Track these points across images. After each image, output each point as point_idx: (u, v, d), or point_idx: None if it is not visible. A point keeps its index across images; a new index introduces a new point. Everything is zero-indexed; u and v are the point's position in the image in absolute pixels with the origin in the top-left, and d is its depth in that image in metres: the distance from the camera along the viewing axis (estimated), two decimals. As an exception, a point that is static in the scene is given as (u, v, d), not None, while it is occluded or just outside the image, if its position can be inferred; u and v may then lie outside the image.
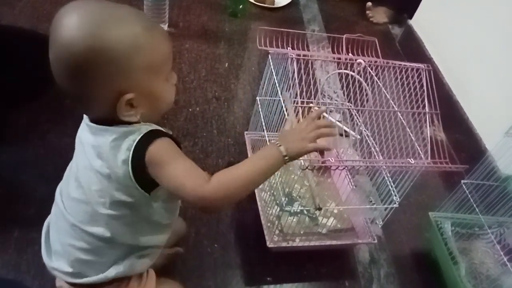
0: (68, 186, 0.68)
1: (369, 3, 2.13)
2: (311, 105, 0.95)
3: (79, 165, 0.67)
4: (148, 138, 0.61)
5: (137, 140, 0.61)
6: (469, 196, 1.04)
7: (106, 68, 0.58)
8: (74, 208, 0.67)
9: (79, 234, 0.66)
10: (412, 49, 1.90)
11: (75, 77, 0.59)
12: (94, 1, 0.61)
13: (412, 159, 0.86)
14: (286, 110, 0.94)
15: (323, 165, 0.81)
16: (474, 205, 1.03)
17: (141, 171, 0.61)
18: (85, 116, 0.67)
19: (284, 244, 1.00)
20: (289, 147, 0.66)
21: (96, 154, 0.63)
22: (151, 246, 0.72)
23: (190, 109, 1.39)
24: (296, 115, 0.86)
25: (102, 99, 0.60)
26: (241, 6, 1.87)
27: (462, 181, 1.05)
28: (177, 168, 0.62)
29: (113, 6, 0.60)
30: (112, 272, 0.68)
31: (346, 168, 0.90)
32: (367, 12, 2.13)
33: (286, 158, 0.66)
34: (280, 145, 0.66)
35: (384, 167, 0.88)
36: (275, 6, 2.02)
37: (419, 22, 1.93)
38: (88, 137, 0.65)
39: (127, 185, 0.62)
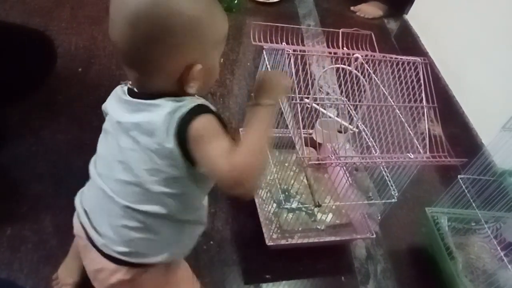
0: (113, 171, 0.66)
1: (352, 7, 2.15)
2: (307, 101, 0.94)
3: (122, 148, 0.65)
4: (192, 113, 0.61)
5: (184, 113, 0.60)
6: (466, 191, 1.03)
7: (183, 36, 0.58)
8: (123, 190, 0.65)
9: (131, 214, 0.65)
10: (408, 43, 1.89)
11: (154, 42, 0.58)
12: None
13: (411, 153, 0.85)
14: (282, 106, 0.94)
15: (322, 162, 0.80)
16: (471, 200, 1.03)
17: (185, 145, 0.61)
18: (120, 94, 0.66)
19: (283, 242, 1.00)
20: (272, 100, 0.69)
21: (143, 132, 0.62)
22: (201, 221, 0.74)
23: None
24: (294, 112, 0.85)
25: (172, 68, 0.61)
26: (236, 1, 1.85)
27: (459, 176, 1.05)
28: (214, 148, 0.60)
29: None
30: (165, 256, 0.69)
31: (345, 164, 0.89)
32: (357, 13, 2.14)
33: (273, 105, 0.69)
34: (268, 103, 0.68)
35: (383, 162, 0.87)
36: (270, 1, 2.00)
37: (415, 16, 1.92)
38: (130, 116, 0.63)
39: (176, 159, 0.61)
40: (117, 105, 0.66)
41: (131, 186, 0.64)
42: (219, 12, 0.64)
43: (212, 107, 0.65)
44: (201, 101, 0.64)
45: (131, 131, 0.63)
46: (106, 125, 0.69)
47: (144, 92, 0.64)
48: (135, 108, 0.63)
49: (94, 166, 0.71)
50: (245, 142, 0.63)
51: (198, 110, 0.61)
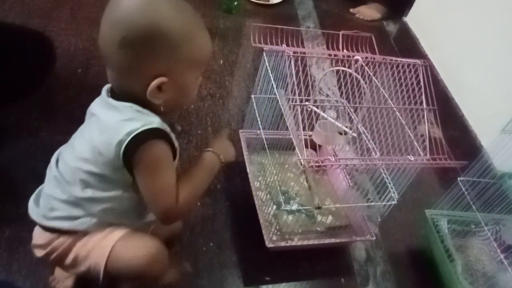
0: (66, 152, 0.73)
1: (351, 9, 2.15)
2: (307, 103, 0.94)
3: (79, 134, 0.72)
4: (148, 134, 0.64)
5: (139, 130, 0.63)
6: (466, 193, 1.03)
7: (158, 46, 0.62)
8: (62, 167, 0.72)
9: (58, 185, 0.71)
10: (407, 46, 1.89)
11: (127, 46, 0.61)
12: None
13: (411, 156, 0.85)
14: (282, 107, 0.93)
15: (322, 164, 0.80)
16: (471, 203, 1.03)
17: (130, 159, 0.65)
18: (103, 91, 0.70)
19: (283, 244, 0.99)
20: (225, 155, 0.81)
21: (98, 127, 0.67)
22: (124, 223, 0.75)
23: (185, 107, 1.38)
24: (294, 114, 0.85)
25: (141, 75, 0.64)
26: (235, 3, 1.86)
27: (459, 178, 1.05)
28: (157, 180, 0.67)
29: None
30: (77, 225, 0.71)
31: (345, 166, 0.89)
32: (356, 15, 2.14)
33: (222, 163, 0.80)
34: (219, 154, 0.79)
35: (383, 165, 0.87)
36: (270, 2, 2.01)
37: (414, 19, 1.92)
38: (98, 110, 0.69)
39: (114, 164, 0.65)
40: (99, 101, 0.71)
41: (68, 168, 0.70)
42: (201, 35, 0.67)
43: (167, 130, 0.68)
44: (159, 124, 0.66)
45: (92, 123, 0.69)
46: (87, 112, 0.75)
47: (119, 93, 0.68)
48: (105, 106, 0.68)
49: (59, 150, 0.77)
50: (190, 187, 0.72)
51: (154, 134, 0.65)
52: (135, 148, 0.63)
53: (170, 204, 0.68)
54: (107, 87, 0.71)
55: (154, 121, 0.66)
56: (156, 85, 0.64)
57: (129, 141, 0.63)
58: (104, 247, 0.71)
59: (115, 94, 0.68)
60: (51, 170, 0.74)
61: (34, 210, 0.75)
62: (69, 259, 0.72)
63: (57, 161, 0.75)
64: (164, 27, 0.61)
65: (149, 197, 0.68)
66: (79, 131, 0.73)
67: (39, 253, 0.75)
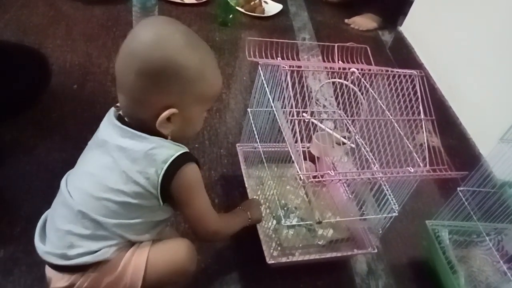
0: (81, 181, 0.71)
1: (346, 20, 2.17)
2: (304, 115, 0.93)
3: (98, 163, 0.70)
4: (183, 159, 0.69)
5: (174, 156, 0.67)
6: (466, 203, 1.02)
7: (171, 81, 0.65)
8: (83, 199, 0.70)
9: (80, 220, 0.69)
10: (403, 55, 1.90)
11: (143, 76, 0.65)
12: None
13: (411, 167, 0.84)
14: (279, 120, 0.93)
15: (322, 180, 0.79)
16: (471, 213, 1.01)
17: (167, 185, 0.68)
18: (112, 118, 0.71)
19: (284, 260, 0.97)
20: (252, 214, 0.93)
21: (126, 156, 0.68)
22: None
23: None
24: (292, 127, 0.84)
25: (152, 105, 0.67)
26: (231, 16, 1.86)
27: (458, 188, 1.04)
28: (201, 200, 0.74)
29: (199, 37, 0.72)
30: (100, 255, 0.69)
31: (346, 180, 0.88)
32: (351, 26, 2.15)
33: (249, 220, 0.92)
34: (248, 213, 0.91)
35: (384, 178, 0.86)
36: (265, 15, 2.02)
37: (409, 28, 1.93)
38: (118, 139, 0.69)
39: (147, 191, 0.68)
40: (108, 126, 0.72)
41: (92, 199, 0.69)
42: (213, 73, 0.72)
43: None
44: (186, 149, 0.71)
45: (115, 152, 0.69)
46: (90, 142, 0.75)
47: (133, 121, 0.70)
48: (125, 134, 0.69)
49: (66, 178, 0.76)
50: (226, 218, 0.87)
51: (188, 158, 0.70)
52: (173, 174, 0.67)
53: (213, 224, 0.77)
54: (113, 113, 0.72)
55: (181, 146, 0.70)
56: (167, 115, 0.67)
57: (167, 168, 0.67)
58: (138, 263, 0.71)
59: (125, 122, 0.70)
60: (67, 203, 0.71)
61: (46, 251, 0.71)
62: None
63: (69, 192, 0.72)
64: (180, 63, 0.65)
65: (194, 219, 0.75)
66: (96, 159, 0.71)
67: None
